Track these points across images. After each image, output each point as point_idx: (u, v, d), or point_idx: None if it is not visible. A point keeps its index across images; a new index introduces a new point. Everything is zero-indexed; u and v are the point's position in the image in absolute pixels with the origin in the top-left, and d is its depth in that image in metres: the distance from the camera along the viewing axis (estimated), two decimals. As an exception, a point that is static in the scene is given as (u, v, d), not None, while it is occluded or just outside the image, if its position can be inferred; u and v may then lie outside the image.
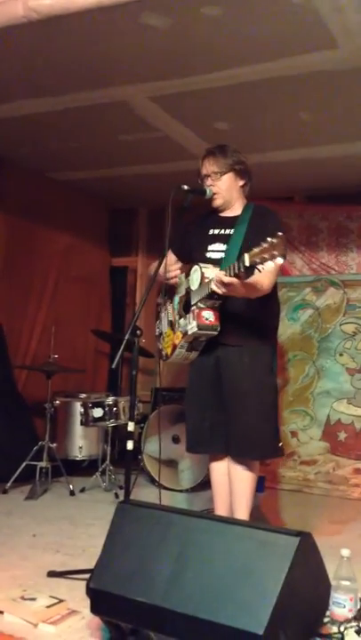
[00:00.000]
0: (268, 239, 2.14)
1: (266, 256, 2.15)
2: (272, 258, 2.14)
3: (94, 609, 1.87)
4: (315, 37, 2.77)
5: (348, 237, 4.82)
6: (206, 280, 2.51)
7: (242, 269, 2.27)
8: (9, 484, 3.92)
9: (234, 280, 2.35)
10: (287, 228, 4.93)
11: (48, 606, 2.04)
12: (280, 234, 2.13)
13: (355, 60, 2.94)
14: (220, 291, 2.41)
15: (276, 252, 2.12)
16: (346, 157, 4.17)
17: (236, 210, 2.81)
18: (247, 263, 2.21)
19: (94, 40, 2.89)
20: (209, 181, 2.76)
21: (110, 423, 4.10)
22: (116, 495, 3.93)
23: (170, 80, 3.26)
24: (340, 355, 4.66)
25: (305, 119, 3.63)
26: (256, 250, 2.18)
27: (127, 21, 2.69)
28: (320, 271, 4.87)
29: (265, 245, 2.15)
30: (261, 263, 2.17)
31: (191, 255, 2.83)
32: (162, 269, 2.68)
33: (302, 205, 5.05)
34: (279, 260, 2.14)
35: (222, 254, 2.70)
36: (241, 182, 2.80)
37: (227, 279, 2.35)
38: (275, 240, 2.13)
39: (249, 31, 2.74)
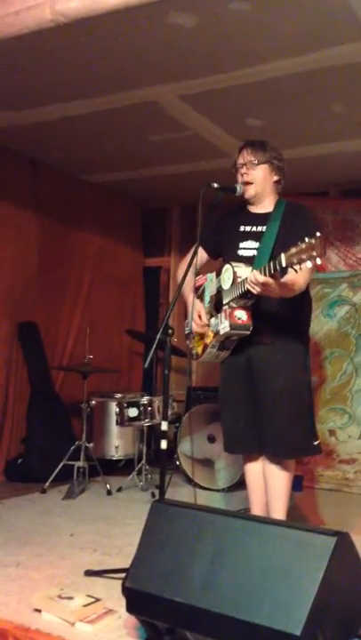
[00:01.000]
0: (306, 239, 2.09)
1: (303, 256, 2.10)
2: (310, 259, 2.09)
3: (130, 608, 1.87)
4: (345, 29, 2.72)
5: (385, 231, 4.72)
6: (239, 279, 2.48)
7: (278, 269, 2.24)
8: (47, 484, 3.97)
9: (269, 280, 2.32)
10: (322, 223, 4.86)
11: (85, 605, 2.04)
12: (318, 234, 2.08)
13: (387, 50, 2.88)
14: (254, 290, 2.38)
15: (314, 253, 2.07)
16: (381, 149, 4.09)
17: (268, 206, 2.77)
18: (284, 264, 2.18)
19: (122, 41, 2.90)
20: (244, 169, 2.73)
21: (145, 423, 4.11)
22: (153, 495, 3.94)
23: (199, 78, 3.25)
24: (379, 351, 4.57)
25: (338, 112, 3.57)
26: (293, 250, 2.14)
27: (154, 21, 2.69)
28: (356, 266, 4.78)
29: (303, 246, 2.10)
30: (299, 264, 2.13)
31: (222, 252, 2.81)
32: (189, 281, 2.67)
33: (337, 200, 4.96)
34: (317, 261, 2.10)
35: (254, 252, 2.67)
36: (276, 177, 2.77)
37: (262, 279, 2.32)
38: (313, 240, 2.08)
39: (278, 25, 2.71)
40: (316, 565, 1.62)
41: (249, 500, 2.87)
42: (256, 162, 2.71)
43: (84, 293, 5.08)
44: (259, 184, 2.73)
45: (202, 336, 2.77)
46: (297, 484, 4.19)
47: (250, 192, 2.74)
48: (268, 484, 2.72)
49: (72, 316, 4.98)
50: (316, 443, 2.73)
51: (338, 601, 1.70)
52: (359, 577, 1.85)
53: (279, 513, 2.66)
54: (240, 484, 3.91)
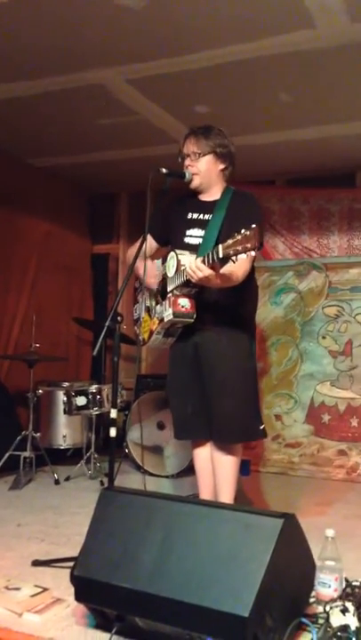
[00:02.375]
0: (242, 231, 2.12)
1: (239, 248, 2.13)
2: (245, 250, 2.13)
3: (79, 596, 1.86)
4: (292, 17, 2.74)
5: (330, 220, 4.82)
6: (182, 267, 2.48)
7: (216, 260, 2.25)
8: (-7, 475, 3.90)
9: (207, 270, 2.33)
10: (269, 212, 4.92)
11: (32, 595, 2.02)
12: (253, 226, 2.11)
13: (332, 40, 2.93)
14: (193, 279, 2.39)
15: (248, 245, 2.11)
16: (326, 139, 4.16)
17: (215, 194, 2.77)
18: (221, 255, 2.21)
19: (68, 22, 2.84)
20: (188, 161, 2.72)
21: (94, 411, 4.07)
22: (102, 483, 3.92)
23: (146, 62, 3.22)
24: (323, 337, 4.68)
25: (285, 101, 3.61)
26: (230, 242, 2.16)
27: (101, 2, 2.63)
28: (302, 255, 4.87)
29: (238, 237, 2.13)
30: (235, 255, 2.16)
31: (170, 239, 2.80)
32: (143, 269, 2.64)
33: (283, 189, 5.03)
34: (252, 253, 2.14)
35: (200, 240, 2.67)
36: (221, 166, 2.75)
37: (201, 268, 2.33)
38: (248, 232, 2.11)
39: (226, 11, 2.71)
40: (264, 547, 1.65)
41: (198, 485, 2.89)
42: (199, 153, 2.69)
43: (29, 280, 4.96)
44: (203, 175, 2.72)
45: (147, 323, 2.77)
46: (244, 468, 4.25)
47: (195, 182, 2.73)
48: (215, 469, 2.75)
49: (17, 303, 4.86)
50: (261, 427, 2.78)
51: (285, 581, 1.73)
52: (306, 558, 1.89)
53: (227, 497, 2.70)
54: (189, 470, 3.94)
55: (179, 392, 2.79)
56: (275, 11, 2.69)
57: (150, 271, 2.73)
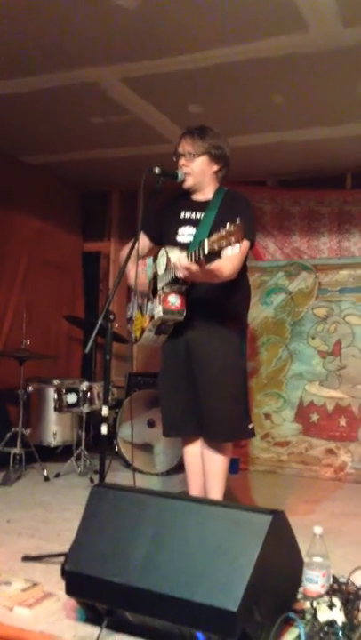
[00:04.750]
0: (227, 225, 2.15)
1: (223, 243, 2.16)
2: (229, 244, 2.16)
3: (69, 591, 1.88)
4: (285, 20, 2.77)
5: (320, 222, 4.86)
6: (172, 264, 2.51)
7: (202, 256, 2.28)
8: (-18, 471, 3.90)
9: (193, 265, 2.35)
10: (260, 212, 4.95)
11: (23, 590, 2.03)
12: (237, 221, 2.15)
13: (325, 43, 2.96)
14: (180, 275, 2.41)
15: (233, 239, 2.14)
16: (318, 141, 4.20)
17: (207, 194, 2.80)
18: (206, 250, 2.23)
19: (62, 20, 2.85)
20: (182, 161, 2.74)
21: (85, 409, 4.09)
22: (92, 480, 3.94)
23: (140, 62, 3.23)
24: (313, 338, 4.72)
25: (277, 102, 3.64)
26: (215, 237, 2.19)
27: (95, 1, 2.64)
28: (292, 256, 4.90)
29: (223, 232, 2.16)
30: (220, 249, 2.19)
31: (163, 237, 2.82)
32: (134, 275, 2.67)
33: (275, 190, 5.07)
34: (236, 247, 2.19)
35: (191, 238, 2.70)
36: (215, 167, 2.78)
37: (186, 264, 2.36)
38: (232, 227, 2.14)
39: (220, 12, 2.73)
40: (253, 543, 1.67)
41: (187, 482, 2.92)
42: (194, 153, 2.71)
43: (20, 277, 4.96)
44: (197, 175, 2.74)
45: (139, 321, 2.79)
46: (233, 467, 4.28)
47: (188, 182, 2.76)
48: (205, 467, 2.77)
49: (8, 300, 4.85)
50: (250, 426, 2.81)
51: (273, 577, 1.76)
52: (294, 554, 1.93)
53: (216, 495, 2.72)
54: (178, 468, 3.97)
55: (170, 389, 2.81)
56: (268, 13, 2.72)
57: (141, 279, 2.76)
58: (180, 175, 2.73)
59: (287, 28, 2.84)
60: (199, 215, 2.74)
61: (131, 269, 2.66)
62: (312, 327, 4.73)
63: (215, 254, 2.27)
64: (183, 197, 2.85)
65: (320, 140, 4.18)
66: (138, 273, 2.66)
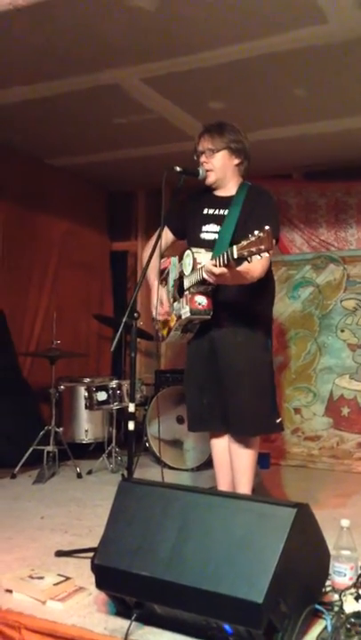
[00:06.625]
0: (256, 232, 2.14)
1: (253, 250, 2.15)
2: (259, 252, 2.15)
3: (99, 584, 1.92)
4: (304, 13, 2.76)
5: (347, 213, 4.81)
6: (198, 266, 2.52)
7: (231, 260, 2.29)
8: (17, 469, 3.98)
9: (223, 270, 2.35)
10: (286, 205, 4.93)
11: (55, 584, 2.08)
12: (267, 227, 2.13)
13: (344, 35, 2.93)
14: (210, 280, 2.43)
15: (262, 247, 2.13)
16: (342, 133, 4.16)
17: (230, 189, 2.80)
18: (235, 256, 2.22)
19: (82, 24, 2.89)
20: (203, 158, 2.75)
21: (115, 406, 4.14)
22: (123, 476, 3.94)
23: (160, 61, 3.26)
24: (342, 331, 4.68)
25: (300, 95, 3.62)
26: (244, 243, 2.18)
27: (113, 4, 2.68)
28: (320, 248, 4.87)
29: (252, 239, 2.15)
30: (249, 256, 2.18)
31: (186, 233, 2.84)
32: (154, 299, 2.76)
33: (300, 183, 5.03)
34: (265, 255, 2.16)
35: (215, 235, 2.70)
36: (236, 161, 2.78)
37: (217, 270, 2.36)
38: (262, 234, 2.13)
39: (238, 9, 2.73)
40: (278, 536, 1.68)
41: (215, 476, 2.93)
42: (214, 149, 2.72)
43: (50, 278, 5.05)
44: (218, 171, 2.75)
45: (166, 321, 2.82)
46: (264, 462, 4.29)
47: (210, 179, 2.77)
48: (233, 462, 2.78)
49: (39, 301, 4.95)
50: (278, 421, 2.80)
51: (299, 570, 1.77)
52: (320, 547, 1.93)
53: (244, 489, 2.73)
54: (208, 464, 3.98)
55: (195, 384, 2.83)
56: (286, 7, 2.71)
57: (162, 300, 2.81)
58: (201, 172, 2.74)
59: (306, 20, 2.82)
60: (223, 211, 2.74)
61: (153, 268, 2.69)
62: (341, 320, 4.69)
63: (241, 260, 2.26)
64: (206, 193, 2.85)
65: (345, 131, 4.14)
66: (158, 289, 2.72)
